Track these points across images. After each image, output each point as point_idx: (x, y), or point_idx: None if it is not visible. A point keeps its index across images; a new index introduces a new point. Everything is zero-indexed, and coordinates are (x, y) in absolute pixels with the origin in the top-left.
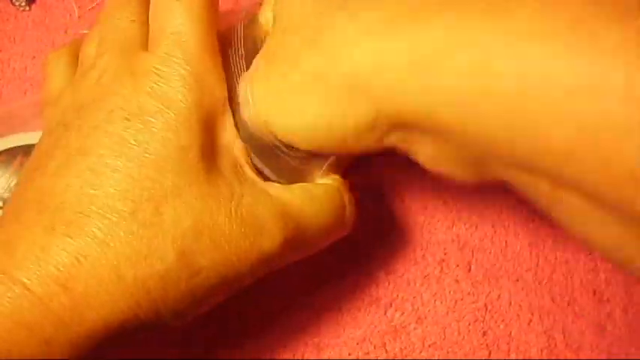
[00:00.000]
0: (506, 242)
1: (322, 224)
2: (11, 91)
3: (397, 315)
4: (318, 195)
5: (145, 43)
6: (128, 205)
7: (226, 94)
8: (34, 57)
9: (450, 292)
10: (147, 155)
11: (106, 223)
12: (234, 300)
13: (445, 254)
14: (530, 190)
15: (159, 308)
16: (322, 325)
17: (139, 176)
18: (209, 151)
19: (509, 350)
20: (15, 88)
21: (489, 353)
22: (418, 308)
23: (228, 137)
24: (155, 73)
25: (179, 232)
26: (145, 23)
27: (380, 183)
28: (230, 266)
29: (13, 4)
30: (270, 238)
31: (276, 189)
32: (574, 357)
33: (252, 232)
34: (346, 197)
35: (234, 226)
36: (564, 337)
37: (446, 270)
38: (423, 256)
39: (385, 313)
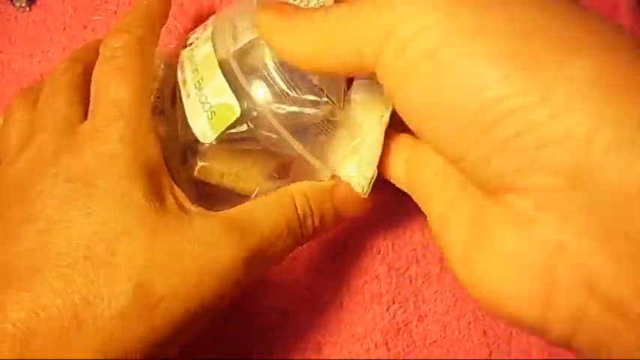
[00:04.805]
0: None
1: (276, 227)
2: (12, 92)
3: (399, 313)
4: (268, 201)
5: (82, 119)
6: (81, 251)
7: (160, 149)
8: (32, 56)
9: (450, 290)
10: (94, 207)
11: (62, 271)
12: (235, 299)
13: None
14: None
15: (126, 351)
16: (323, 323)
17: (89, 224)
18: (155, 194)
19: (509, 349)
20: (16, 89)
21: (490, 352)
22: (420, 306)
23: (168, 183)
24: (96, 136)
25: (134, 267)
26: (83, 102)
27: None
28: (192, 289)
29: (13, 5)
30: (228, 251)
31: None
32: (575, 357)
33: (208, 249)
34: (299, 203)
35: (188, 247)
36: None
37: (446, 268)
38: (424, 254)
39: (387, 310)
